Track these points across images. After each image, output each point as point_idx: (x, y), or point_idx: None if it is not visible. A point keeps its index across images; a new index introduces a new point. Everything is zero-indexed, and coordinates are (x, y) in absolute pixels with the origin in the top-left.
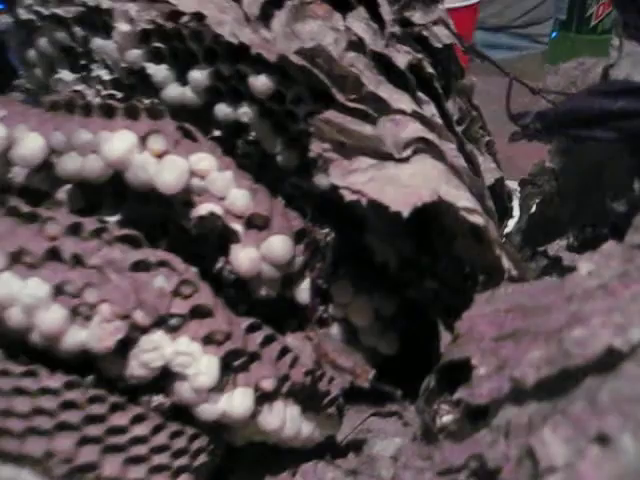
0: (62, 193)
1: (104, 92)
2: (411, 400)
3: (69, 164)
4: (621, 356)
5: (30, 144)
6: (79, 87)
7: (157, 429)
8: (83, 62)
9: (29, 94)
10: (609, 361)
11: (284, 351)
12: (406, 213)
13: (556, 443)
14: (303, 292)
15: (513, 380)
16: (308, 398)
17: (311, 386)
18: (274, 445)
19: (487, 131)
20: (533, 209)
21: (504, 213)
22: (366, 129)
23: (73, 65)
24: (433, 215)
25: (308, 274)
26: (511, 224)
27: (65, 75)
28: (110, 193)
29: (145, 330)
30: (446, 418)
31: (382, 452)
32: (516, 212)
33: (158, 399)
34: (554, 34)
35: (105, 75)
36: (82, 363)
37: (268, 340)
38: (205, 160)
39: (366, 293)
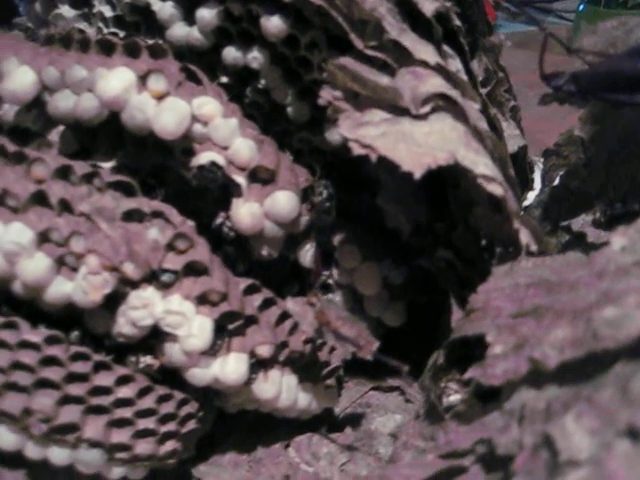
0: (54, 135)
1: (106, 30)
2: (414, 376)
3: (62, 102)
4: None
5: (20, 78)
6: (80, 24)
7: (144, 392)
8: None
9: (29, 33)
10: None
11: (284, 316)
12: (418, 175)
13: (580, 434)
14: (307, 254)
15: (532, 361)
16: (306, 367)
17: (311, 355)
18: (268, 413)
19: (513, 95)
20: (556, 181)
21: (525, 184)
22: (383, 80)
23: (74, 0)
24: (451, 179)
25: (313, 235)
26: (531, 197)
27: (65, 11)
28: (106, 137)
29: (135, 285)
30: (454, 397)
31: (381, 428)
32: (537, 185)
33: (146, 360)
34: (581, 7)
35: (107, 11)
36: (67, 317)
37: (267, 304)
38: (209, 104)
39: (374, 259)
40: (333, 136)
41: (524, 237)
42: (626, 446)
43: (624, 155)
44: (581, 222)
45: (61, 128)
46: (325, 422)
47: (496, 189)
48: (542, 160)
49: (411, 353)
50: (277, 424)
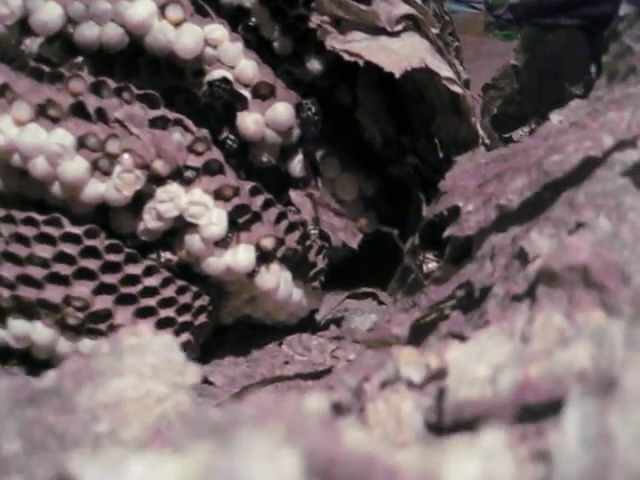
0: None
1: None
2: (382, 286)
3: (88, 32)
4: (594, 163)
5: (50, 11)
6: None
7: (166, 282)
8: None
9: None
10: (584, 171)
11: (281, 216)
12: (398, 74)
13: (541, 239)
14: (297, 165)
15: (499, 207)
16: (297, 267)
17: (301, 254)
18: (258, 324)
19: (456, 37)
20: (494, 112)
21: None
22: (362, 6)
23: None
24: (414, 95)
25: (301, 150)
26: None
27: None
28: (121, 65)
29: (161, 182)
30: (432, 265)
31: (360, 326)
32: None
33: (166, 255)
34: None
35: None
36: (93, 223)
37: (268, 204)
38: (218, 30)
39: (352, 171)
40: (313, 65)
41: (480, 130)
42: (576, 233)
43: (552, 74)
44: (520, 133)
45: (79, 58)
46: (309, 327)
47: (457, 89)
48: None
49: (379, 267)
50: (267, 332)
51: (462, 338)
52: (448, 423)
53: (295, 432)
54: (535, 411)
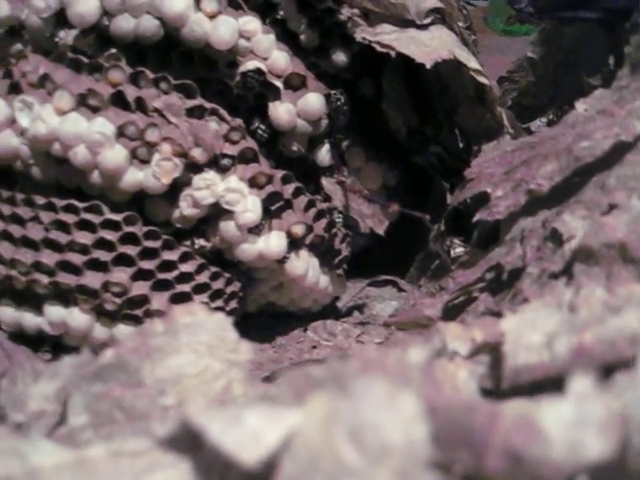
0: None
1: None
2: (401, 274)
3: (124, 24)
4: (624, 148)
5: (87, 3)
6: None
7: (201, 268)
8: None
9: None
10: (614, 156)
11: (310, 204)
12: (428, 65)
13: (575, 220)
14: (325, 155)
15: (529, 192)
16: (324, 254)
17: (328, 241)
18: (281, 312)
19: (473, 31)
20: (509, 104)
21: None
22: None
23: None
24: (438, 87)
25: (328, 140)
26: None
27: None
28: (154, 57)
29: (198, 170)
30: (459, 250)
31: (381, 313)
32: None
33: (200, 242)
34: None
35: None
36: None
37: (298, 192)
38: (252, 22)
39: (376, 160)
40: (339, 58)
41: (505, 119)
42: (610, 214)
43: (569, 66)
44: (537, 124)
45: (112, 51)
46: (332, 314)
47: (484, 80)
48: None
49: (397, 256)
50: (290, 320)
51: (499, 315)
52: (506, 388)
53: (401, 382)
54: None
